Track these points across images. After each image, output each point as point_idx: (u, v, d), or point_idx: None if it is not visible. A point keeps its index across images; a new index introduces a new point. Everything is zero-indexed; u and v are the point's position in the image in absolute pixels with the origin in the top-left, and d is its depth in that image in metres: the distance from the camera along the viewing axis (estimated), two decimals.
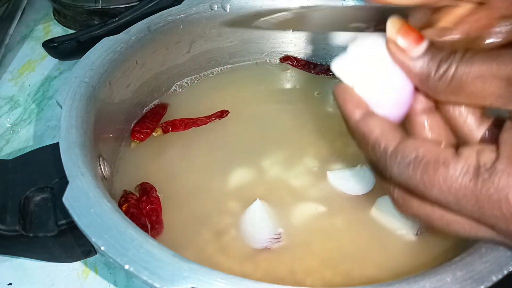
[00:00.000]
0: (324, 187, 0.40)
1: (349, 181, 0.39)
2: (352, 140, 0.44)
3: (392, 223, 0.37)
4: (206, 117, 0.45)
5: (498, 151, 0.22)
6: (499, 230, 0.22)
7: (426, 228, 0.27)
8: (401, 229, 0.36)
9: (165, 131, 0.44)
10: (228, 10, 0.48)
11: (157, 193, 0.39)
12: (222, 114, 0.46)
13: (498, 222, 0.22)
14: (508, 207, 0.21)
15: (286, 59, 0.53)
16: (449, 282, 0.25)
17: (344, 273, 0.34)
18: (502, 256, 0.27)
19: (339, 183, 0.39)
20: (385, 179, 0.25)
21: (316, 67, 0.52)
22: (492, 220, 0.22)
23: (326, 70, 0.51)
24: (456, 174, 0.22)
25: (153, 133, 0.44)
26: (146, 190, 0.38)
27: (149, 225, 0.36)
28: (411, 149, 0.23)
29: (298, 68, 0.52)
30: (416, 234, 0.36)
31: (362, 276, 0.34)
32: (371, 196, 0.38)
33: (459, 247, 0.34)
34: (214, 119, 0.46)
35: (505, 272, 0.26)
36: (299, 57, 0.53)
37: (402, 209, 0.26)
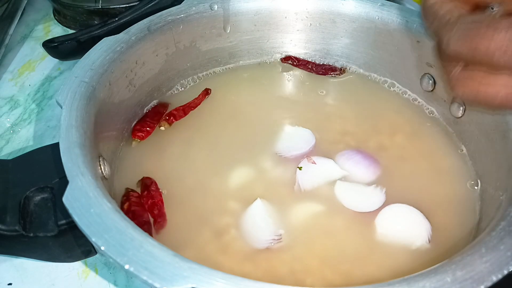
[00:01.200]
0: (324, 187, 0.40)
1: (355, 196, 0.39)
2: (354, 138, 0.44)
3: (403, 238, 0.36)
4: (195, 99, 0.47)
5: None
6: None
7: (470, 104, 0.33)
8: (414, 241, 0.36)
9: (170, 122, 0.45)
10: (228, 31, 0.49)
11: (158, 187, 0.39)
12: (207, 92, 0.48)
13: None
14: None
15: (287, 59, 0.53)
16: (449, 282, 0.25)
17: (344, 272, 0.34)
18: (502, 256, 0.27)
19: (343, 195, 0.39)
20: (443, 50, 0.29)
21: (317, 67, 0.52)
22: None
23: (327, 70, 0.51)
24: None
25: (161, 128, 0.44)
26: (147, 185, 0.39)
27: (151, 220, 0.36)
28: (475, 14, 0.29)
29: (299, 67, 0.52)
30: (429, 240, 0.36)
31: (362, 276, 0.34)
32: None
33: (459, 247, 0.34)
34: (203, 98, 0.48)
35: (505, 272, 0.26)
36: (300, 57, 0.53)
37: (456, 84, 0.30)
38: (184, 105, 0.47)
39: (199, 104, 0.47)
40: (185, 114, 0.46)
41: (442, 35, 0.30)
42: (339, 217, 0.37)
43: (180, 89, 0.49)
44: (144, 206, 0.37)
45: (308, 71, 0.52)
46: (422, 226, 0.36)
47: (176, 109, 0.46)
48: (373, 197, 0.38)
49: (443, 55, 0.30)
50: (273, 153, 0.42)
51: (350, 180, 0.40)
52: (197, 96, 0.48)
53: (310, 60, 0.53)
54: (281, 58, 0.53)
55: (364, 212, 0.38)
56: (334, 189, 0.39)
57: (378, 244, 0.36)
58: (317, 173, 0.40)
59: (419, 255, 0.35)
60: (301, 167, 0.40)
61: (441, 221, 0.37)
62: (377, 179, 0.40)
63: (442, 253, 0.35)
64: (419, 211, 0.37)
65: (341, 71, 0.51)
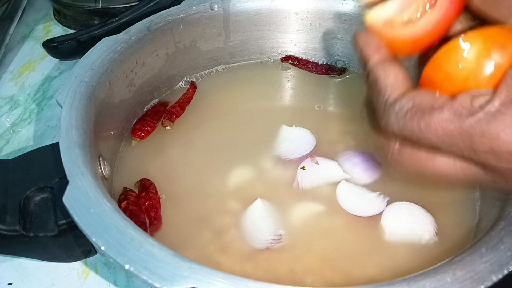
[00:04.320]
0: (325, 188, 0.40)
1: (355, 200, 0.38)
2: (354, 138, 0.44)
3: (411, 234, 0.36)
4: (185, 93, 0.48)
5: (495, 94, 0.22)
6: (489, 168, 0.23)
7: (418, 177, 0.28)
8: (422, 235, 0.36)
9: (173, 120, 0.45)
10: (231, 39, 0.50)
11: (157, 190, 0.39)
12: (194, 84, 0.49)
13: (489, 159, 0.23)
14: (498, 144, 0.22)
15: (287, 58, 0.53)
16: (449, 282, 0.25)
17: (344, 272, 0.34)
18: (502, 256, 0.27)
19: (344, 198, 0.38)
20: (379, 129, 0.27)
21: (317, 67, 0.52)
22: (482, 157, 0.23)
23: (327, 70, 0.51)
24: (451, 115, 0.23)
25: (167, 127, 0.45)
26: (145, 186, 0.39)
27: (147, 221, 0.36)
28: (408, 99, 0.24)
29: (299, 67, 0.52)
30: (436, 233, 0.36)
31: (362, 276, 0.34)
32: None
33: (459, 247, 0.34)
34: (193, 92, 0.48)
35: (505, 272, 0.26)
36: (300, 56, 0.53)
37: (397, 160, 0.27)
38: (178, 101, 0.47)
39: (192, 97, 0.48)
40: (183, 110, 0.46)
41: (380, 114, 0.26)
42: (340, 218, 0.37)
43: (179, 89, 0.49)
44: (141, 207, 0.37)
45: (308, 71, 0.52)
46: (426, 220, 0.37)
47: (172, 106, 0.46)
48: (373, 204, 0.38)
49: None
50: (274, 154, 0.42)
51: (352, 182, 0.40)
52: (197, 99, 0.48)
53: (310, 60, 0.53)
54: (281, 58, 0.53)
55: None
56: (335, 191, 0.39)
57: (386, 243, 0.36)
58: (318, 173, 0.40)
59: (428, 249, 0.35)
60: (304, 167, 0.40)
61: (441, 221, 0.37)
62: (377, 180, 0.40)
63: (442, 252, 0.35)
64: (419, 206, 0.37)
65: (341, 71, 0.51)
